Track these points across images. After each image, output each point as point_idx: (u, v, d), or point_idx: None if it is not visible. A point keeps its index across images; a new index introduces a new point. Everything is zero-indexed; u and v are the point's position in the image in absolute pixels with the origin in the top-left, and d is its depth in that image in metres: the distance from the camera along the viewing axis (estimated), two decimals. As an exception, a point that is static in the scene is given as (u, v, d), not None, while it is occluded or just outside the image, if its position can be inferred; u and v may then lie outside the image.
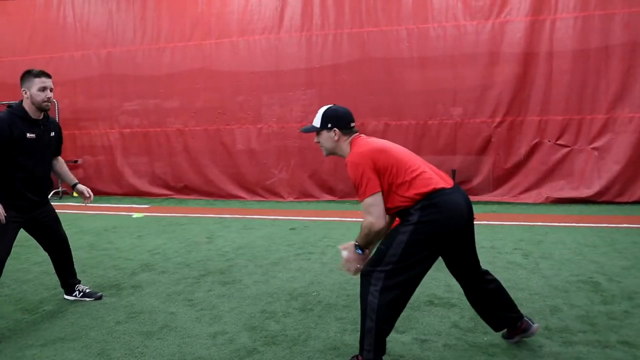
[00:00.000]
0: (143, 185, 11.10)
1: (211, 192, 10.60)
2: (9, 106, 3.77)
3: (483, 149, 9.15)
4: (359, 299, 2.84)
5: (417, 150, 9.15)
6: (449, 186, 2.81)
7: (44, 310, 4.02)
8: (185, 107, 10.68)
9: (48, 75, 3.76)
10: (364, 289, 2.80)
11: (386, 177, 2.77)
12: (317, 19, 9.74)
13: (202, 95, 10.53)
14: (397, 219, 2.97)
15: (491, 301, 3.11)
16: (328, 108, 2.99)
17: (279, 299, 4.18)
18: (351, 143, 2.93)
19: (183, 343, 3.33)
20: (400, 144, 9.21)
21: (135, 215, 8.69)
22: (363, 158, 2.77)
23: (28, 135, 3.66)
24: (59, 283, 4.30)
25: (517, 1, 8.74)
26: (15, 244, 3.78)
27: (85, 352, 3.23)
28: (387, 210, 2.81)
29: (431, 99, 9.23)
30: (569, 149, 8.80)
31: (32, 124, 3.71)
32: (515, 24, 8.77)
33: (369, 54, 9.48)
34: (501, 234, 6.42)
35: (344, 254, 2.94)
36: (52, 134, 3.93)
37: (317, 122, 2.97)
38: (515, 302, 3.58)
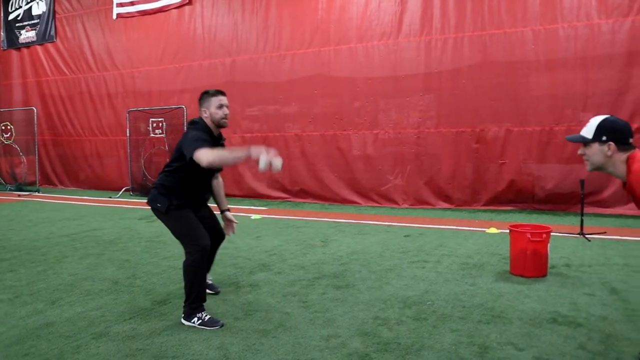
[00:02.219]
0: (261, 188, 11.51)
1: (326, 197, 10.76)
2: (193, 122, 3.96)
3: (617, 158, 8.42)
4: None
5: (542, 159, 8.76)
6: None
7: (170, 302, 4.27)
8: (303, 112, 10.94)
9: (223, 94, 3.96)
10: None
11: None
12: (437, 23, 9.55)
13: (320, 101, 10.73)
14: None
15: None
16: (605, 118, 2.63)
17: (392, 306, 4.11)
18: (629, 158, 2.57)
19: (297, 343, 3.38)
20: (523, 151, 8.81)
21: (254, 216, 9.02)
22: None
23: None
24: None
25: (662, -4, 7.98)
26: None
27: (206, 344, 3.39)
28: None
29: (558, 104, 8.67)
30: None
31: (214, 140, 3.92)
32: (659, 21, 8.00)
33: (491, 58, 9.12)
34: (636, 251, 5.88)
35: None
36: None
37: (588, 132, 2.64)
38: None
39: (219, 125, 3.93)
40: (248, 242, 6.83)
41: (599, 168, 2.69)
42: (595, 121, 2.63)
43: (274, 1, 11.13)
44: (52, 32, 14.60)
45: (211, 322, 3.70)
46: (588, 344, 3.30)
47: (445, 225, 7.89)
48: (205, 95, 3.93)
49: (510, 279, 4.83)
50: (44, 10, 14.72)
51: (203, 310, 3.77)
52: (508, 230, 5.14)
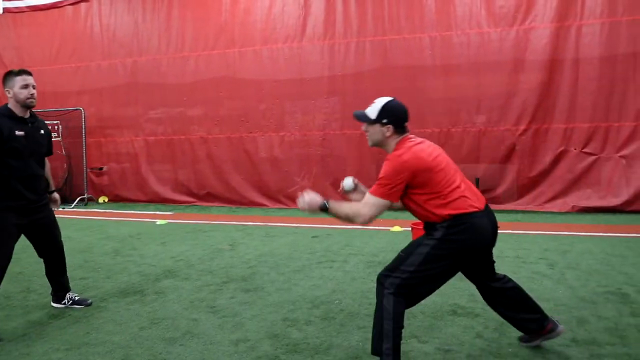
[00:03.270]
0: (167, 192, 11.22)
1: (234, 200, 10.67)
2: None
3: (507, 157, 9.04)
4: (376, 301, 2.89)
5: (440, 158, 9.16)
6: (480, 208, 2.82)
7: (69, 315, 4.07)
8: (208, 115, 10.79)
9: (29, 73, 3.81)
10: (379, 293, 2.85)
11: (422, 191, 2.78)
12: (340, 27, 9.77)
13: (226, 103, 10.63)
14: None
15: (510, 302, 3.11)
16: (388, 102, 2.89)
17: (301, 307, 4.17)
18: (398, 144, 2.86)
19: (205, 350, 3.34)
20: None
21: (159, 222, 8.77)
22: (407, 167, 2.73)
23: (17, 132, 3.69)
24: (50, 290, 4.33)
25: (542, 7, 8.66)
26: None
27: (109, 357, 3.26)
28: (417, 214, 2.89)
29: (454, 107, 9.17)
30: (596, 157, 8.66)
31: (20, 122, 3.76)
32: (540, 31, 8.69)
33: (392, 62, 9.47)
34: (526, 244, 6.32)
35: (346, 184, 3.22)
36: (42, 132, 3.96)
37: (373, 112, 2.88)
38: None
39: (25, 106, 3.78)
40: (153, 248, 6.63)
41: (377, 145, 2.95)
42: (379, 103, 2.89)
43: (176, 1, 10.88)
44: None
45: None
46: (484, 332, 3.52)
47: (352, 225, 8.05)
48: (9, 74, 3.79)
49: (412, 275, 5.02)
50: None
51: None
52: (410, 228, 5.36)
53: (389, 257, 5.75)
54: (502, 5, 8.86)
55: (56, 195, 4.28)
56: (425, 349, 3.28)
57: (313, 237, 7.14)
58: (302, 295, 4.46)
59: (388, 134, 2.85)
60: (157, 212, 10.02)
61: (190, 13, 10.80)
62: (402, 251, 2.90)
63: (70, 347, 3.43)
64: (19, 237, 3.85)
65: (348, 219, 2.83)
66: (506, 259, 5.54)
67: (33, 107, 3.83)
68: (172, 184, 11.22)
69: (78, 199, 11.41)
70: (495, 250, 5.60)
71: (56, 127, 11.64)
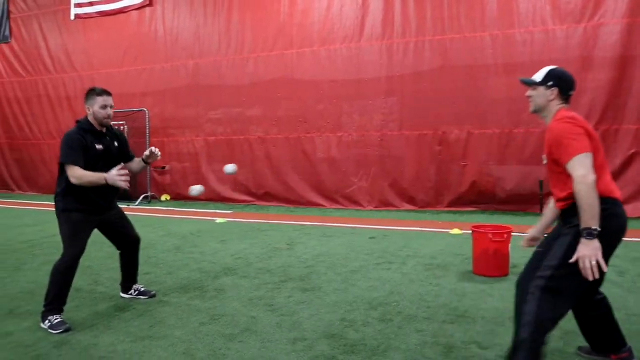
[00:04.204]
0: (226, 191, 11.43)
1: (292, 200, 10.75)
2: (78, 121, 4.04)
3: (573, 159, 8.67)
4: (514, 308, 2.70)
5: (502, 160, 8.95)
6: (621, 198, 2.68)
7: (134, 309, 4.20)
8: (267, 115, 10.92)
9: (109, 94, 4.01)
10: (520, 297, 2.66)
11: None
12: (399, 27, 9.66)
13: (284, 104, 10.72)
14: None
15: (599, 319, 2.93)
16: (556, 67, 2.88)
17: (358, 308, 4.14)
18: (559, 111, 2.78)
19: (263, 347, 3.37)
20: (484, 153, 8.98)
21: (219, 220, 8.95)
22: (576, 123, 2.61)
23: (97, 146, 3.95)
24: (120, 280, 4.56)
25: (613, 3, 8.26)
26: (109, 244, 4.01)
27: (171, 350, 3.34)
28: (563, 191, 2.68)
29: (517, 108, 8.88)
30: (671, 159, 8.19)
31: (99, 136, 4.00)
32: (611, 27, 8.29)
33: (452, 62, 9.29)
34: (594, 249, 6.05)
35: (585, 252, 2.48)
36: (116, 144, 4.18)
37: (539, 76, 2.87)
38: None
39: (102, 125, 4.00)
40: (213, 246, 6.77)
41: (539, 111, 2.89)
42: (547, 68, 2.87)
43: (237, 4, 11.07)
44: (7, 33, 14.16)
45: (57, 326, 3.71)
46: (550, 339, 3.38)
47: (410, 226, 7.98)
48: (92, 93, 3.98)
49: (473, 279, 4.92)
50: (-2, 11, 14.29)
51: (57, 313, 3.80)
52: (470, 231, 5.24)
53: (448, 260, 5.66)
54: (569, 1, 8.51)
55: (146, 152, 4.28)
56: (486, 356, 3.19)
57: (370, 238, 7.10)
58: (359, 296, 4.43)
59: (552, 97, 2.81)
60: (217, 211, 10.22)
61: (250, 16, 10.96)
62: (539, 246, 2.79)
63: (135, 339, 3.54)
64: (92, 231, 4.07)
65: (589, 192, 2.44)
66: (572, 265, 5.31)
67: (108, 126, 4.07)
68: (231, 183, 11.42)
69: (142, 197, 11.80)
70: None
71: (122, 127, 12.09)
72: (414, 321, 3.81)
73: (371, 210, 9.92)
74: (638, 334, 3.45)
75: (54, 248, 6.60)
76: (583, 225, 2.47)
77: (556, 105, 2.81)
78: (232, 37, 11.17)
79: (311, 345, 3.39)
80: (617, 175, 8.45)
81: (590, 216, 2.45)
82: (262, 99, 10.90)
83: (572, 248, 2.52)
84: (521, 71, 8.81)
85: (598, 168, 2.58)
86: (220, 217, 9.36)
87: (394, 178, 9.88)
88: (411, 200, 9.80)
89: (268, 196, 11.05)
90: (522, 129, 8.88)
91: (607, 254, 2.54)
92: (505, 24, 8.91)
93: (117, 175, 3.73)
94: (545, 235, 2.91)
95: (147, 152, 4.25)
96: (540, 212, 7.03)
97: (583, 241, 2.47)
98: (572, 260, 2.50)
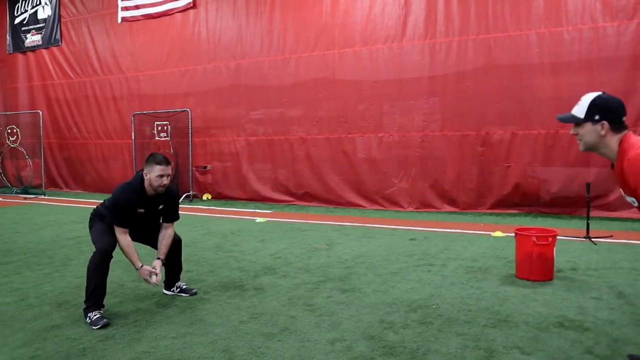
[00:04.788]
0: (266, 191, 11.52)
1: (331, 200, 10.76)
2: (136, 175, 4.20)
3: (622, 161, 8.39)
4: None
5: (547, 162, 8.73)
6: None
7: (176, 306, 4.28)
8: (308, 115, 10.95)
9: (168, 163, 4.09)
10: None
11: None
12: (441, 26, 9.54)
13: (325, 104, 10.73)
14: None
15: None
16: (597, 96, 2.55)
17: (397, 309, 4.10)
18: (622, 140, 2.49)
19: (302, 347, 3.37)
20: (528, 154, 8.78)
21: (259, 220, 9.02)
22: None
23: (139, 210, 4.10)
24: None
25: (667, -2, 7.95)
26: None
27: (211, 347, 3.38)
28: None
29: (564, 107, 8.56)
30: None
31: (146, 201, 4.13)
32: (664, 24, 7.98)
33: (496, 61, 9.11)
34: (644, 254, 5.85)
35: None
36: (161, 206, 4.28)
37: (580, 111, 2.59)
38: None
39: (156, 192, 4.11)
40: (253, 245, 6.83)
41: (591, 148, 2.62)
42: (587, 99, 2.56)
43: (278, 5, 11.15)
44: (58, 36, 14.66)
45: (96, 321, 3.78)
46: (595, 348, 3.28)
47: (451, 228, 7.87)
48: (151, 159, 4.06)
49: (516, 283, 4.81)
50: (49, 14, 14.79)
51: (96, 309, 3.88)
52: (513, 234, 5.13)
53: (490, 263, 5.56)
54: (621, -3, 8.24)
55: (159, 263, 4.26)
56: (530, 361, 3.11)
57: (410, 239, 7.03)
58: (399, 298, 4.39)
59: (603, 132, 2.51)
60: (257, 210, 10.31)
61: (292, 16, 11.02)
62: None
63: (177, 335, 3.60)
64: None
65: None
66: (620, 271, 5.14)
67: (161, 193, 4.16)
68: (271, 183, 11.51)
69: (184, 195, 12.01)
70: (608, 262, 5.26)
71: (166, 127, 12.36)
72: (454, 324, 3.75)
73: (411, 211, 9.83)
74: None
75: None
76: None
77: (613, 138, 2.51)
78: (274, 38, 11.26)
79: (350, 346, 3.37)
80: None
81: None
82: (303, 99, 10.95)
83: None
84: (568, 70, 8.60)
85: None
86: (260, 216, 9.43)
87: (435, 179, 9.77)
88: (452, 202, 9.67)
89: (308, 196, 11.09)
90: (568, 129, 8.60)
91: None
92: (552, 21, 8.67)
93: (148, 273, 4.05)
94: None
95: (157, 265, 4.26)
96: (586, 215, 6.82)
97: None
98: None
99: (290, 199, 11.28)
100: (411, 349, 3.32)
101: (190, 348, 3.38)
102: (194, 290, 4.63)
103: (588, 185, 6.82)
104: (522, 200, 9.13)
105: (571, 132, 2.67)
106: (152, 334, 3.64)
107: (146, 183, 4.07)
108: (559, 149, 8.74)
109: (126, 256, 4.08)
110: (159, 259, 4.29)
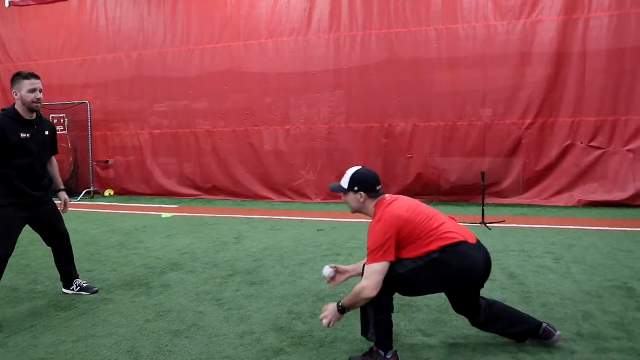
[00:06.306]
0: (172, 185, 11.24)
1: (239, 193, 10.69)
2: (3, 110, 3.92)
3: (513, 151, 9.01)
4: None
5: (446, 152, 9.17)
6: (472, 242, 2.94)
7: (76, 308, 4.09)
8: (214, 108, 10.80)
9: (37, 77, 3.90)
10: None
11: (409, 239, 2.88)
12: (346, 20, 9.73)
13: (231, 96, 10.63)
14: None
15: (499, 322, 3.15)
16: (356, 171, 3.07)
17: (306, 300, 4.17)
18: (377, 205, 3.02)
19: (211, 342, 3.35)
20: (428, 146, 9.17)
21: (165, 215, 8.80)
22: (389, 227, 2.85)
23: (22, 135, 3.82)
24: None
25: (550, 0, 8.59)
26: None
27: (115, 349, 3.28)
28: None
29: (460, 101, 9.13)
30: (603, 151, 8.61)
31: (26, 124, 3.87)
32: (547, 24, 8.63)
33: (397, 55, 9.43)
34: (531, 238, 6.31)
35: (326, 272, 3.34)
36: (47, 132, 4.08)
37: (345, 183, 3.08)
38: (546, 307, 3.50)
39: (31, 110, 3.89)
40: (159, 241, 6.65)
41: (358, 212, 3.14)
42: (349, 174, 3.08)
43: (182, -6, 10.88)
44: None
45: None
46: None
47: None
48: (18, 77, 3.88)
49: (418, 269, 5.02)
50: None
51: None
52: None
53: (394, 250, 5.76)
54: (509, -2, 8.81)
55: (64, 195, 4.37)
56: (430, 343, 3.28)
57: (318, 230, 7.15)
58: (307, 289, 4.47)
59: (362, 200, 3.03)
60: (163, 206, 10.05)
61: (196, 6, 10.78)
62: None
63: (78, 339, 3.45)
64: (22, 228, 3.97)
65: (362, 298, 2.85)
66: (512, 253, 5.53)
67: (38, 110, 3.94)
68: (177, 177, 11.24)
69: (84, 192, 11.45)
70: (501, 245, 5.61)
71: (62, 120, 11.68)
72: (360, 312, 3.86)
73: (319, 202, 9.98)
74: (572, 317, 3.63)
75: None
76: (343, 302, 2.97)
77: (371, 204, 3.04)
78: (178, 28, 10.96)
79: (259, 339, 3.39)
80: (553, 167, 8.84)
81: (348, 302, 2.92)
82: (209, 91, 10.77)
83: (419, 269, 2.90)
84: (464, 65, 9.07)
85: (433, 229, 2.88)
86: (166, 211, 9.20)
87: (342, 170, 9.84)
88: (359, 193, 9.89)
89: (215, 190, 10.95)
90: (465, 121, 9.13)
91: (454, 287, 3.00)
92: (449, 18, 9.11)
93: None
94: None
95: (63, 198, 4.27)
96: (482, 202, 7.26)
97: (334, 309, 3.02)
98: None
99: (198, 193, 11.08)
100: (320, 338, 3.39)
101: (92, 351, 3.25)
102: (95, 289, 4.46)
103: (483, 175, 7.25)
104: (424, 189, 9.54)
105: (342, 198, 3.17)
106: (49, 339, 3.46)
107: (18, 105, 3.85)
108: (457, 140, 9.22)
109: None
110: (61, 190, 4.31)
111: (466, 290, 3.01)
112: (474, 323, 3.18)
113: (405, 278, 2.87)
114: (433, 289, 3.00)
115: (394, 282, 2.88)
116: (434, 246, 2.85)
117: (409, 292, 3.02)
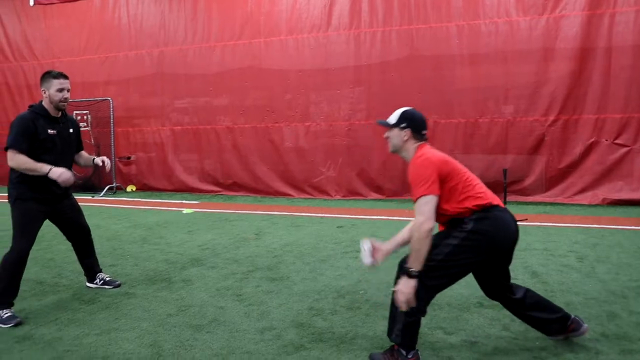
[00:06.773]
0: (193, 181, 11.32)
1: (259, 189, 10.73)
2: (30, 106, 3.98)
3: (536, 148, 8.88)
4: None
5: (467, 149, 9.08)
6: (502, 205, 2.96)
7: (99, 301, 4.15)
8: (234, 105, 10.84)
9: (66, 77, 3.96)
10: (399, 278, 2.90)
11: (447, 185, 2.84)
12: (366, 17, 9.69)
13: (251, 93, 10.65)
14: (440, 226, 3.00)
15: (536, 303, 3.13)
16: (407, 109, 3.06)
17: (326, 296, 4.17)
18: (417, 149, 2.98)
19: (231, 337, 3.37)
20: (449, 143, 9.08)
21: (186, 211, 8.87)
22: (430, 162, 2.83)
23: (49, 131, 3.88)
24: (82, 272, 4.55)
25: (573, -5, 8.45)
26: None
27: (138, 342, 3.32)
28: (442, 216, 2.89)
29: (481, 97, 9.03)
30: (628, 148, 8.45)
31: (53, 121, 3.94)
32: (571, 19, 8.48)
33: (418, 52, 9.36)
34: (555, 236, 6.22)
35: (365, 246, 3.20)
36: (71, 130, 4.13)
37: (393, 118, 3.04)
38: (569, 306, 3.46)
39: (58, 108, 3.95)
40: (180, 236, 6.71)
41: (397, 151, 3.07)
42: (399, 111, 3.05)
43: (202, -9, 10.93)
44: (-38, 19, 13.64)
45: (7, 320, 3.66)
46: (511, 325, 3.48)
47: (377, 215, 8.06)
48: (47, 75, 3.94)
49: (438, 266, 4.99)
50: (-47, -4, 13.73)
51: (6, 307, 3.74)
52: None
53: (415, 248, 5.73)
54: (532, -8, 8.69)
55: (100, 158, 4.25)
56: (451, 340, 3.26)
57: (338, 227, 7.14)
58: (327, 285, 4.47)
59: (406, 137, 2.99)
60: (184, 201, 10.13)
61: (217, 3, 10.83)
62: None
63: (101, 332, 3.50)
64: (42, 222, 4.02)
65: (423, 235, 2.73)
66: (534, 252, 5.46)
67: (64, 109, 4.01)
68: (198, 173, 11.32)
69: (107, 187, 11.59)
70: (523, 243, 5.53)
71: (85, 117, 11.84)
72: (380, 308, 3.85)
73: (339, 199, 9.97)
74: (596, 317, 3.57)
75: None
76: (409, 263, 2.81)
77: (412, 144, 3.00)
78: (199, 25, 11.02)
79: (279, 334, 3.40)
80: (576, 164, 8.70)
81: (415, 254, 2.76)
82: (229, 88, 10.81)
83: (456, 249, 2.83)
84: (486, 62, 8.97)
85: (469, 185, 2.90)
86: (187, 207, 9.28)
87: (362, 167, 9.94)
88: (378, 190, 9.89)
89: (235, 186, 11.00)
90: (487, 118, 9.03)
91: (491, 254, 2.91)
92: (470, 14, 9.02)
93: (62, 173, 3.72)
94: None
95: (99, 161, 4.20)
96: (504, 200, 7.18)
97: (405, 281, 2.82)
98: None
99: (218, 189, 11.15)
100: (340, 334, 3.39)
101: (115, 344, 3.30)
102: (117, 282, 4.52)
103: (505, 172, 7.17)
104: (445, 186, 9.43)
105: (385, 135, 3.09)
106: (74, 331, 3.52)
107: (46, 102, 3.92)
108: (478, 137, 9.13)
109: (28, 172, 3.77)
110: (94, 159, 4.30)
111: (501, 256, 2.98)
112: (510, 302, 3.13)
113: (444, 263, 2.81)
114: (470, 266, 2.89)
115: (434, 271, 2.80)
116: (468, 203, 2.84)
117: (447, 279, 2.90)
